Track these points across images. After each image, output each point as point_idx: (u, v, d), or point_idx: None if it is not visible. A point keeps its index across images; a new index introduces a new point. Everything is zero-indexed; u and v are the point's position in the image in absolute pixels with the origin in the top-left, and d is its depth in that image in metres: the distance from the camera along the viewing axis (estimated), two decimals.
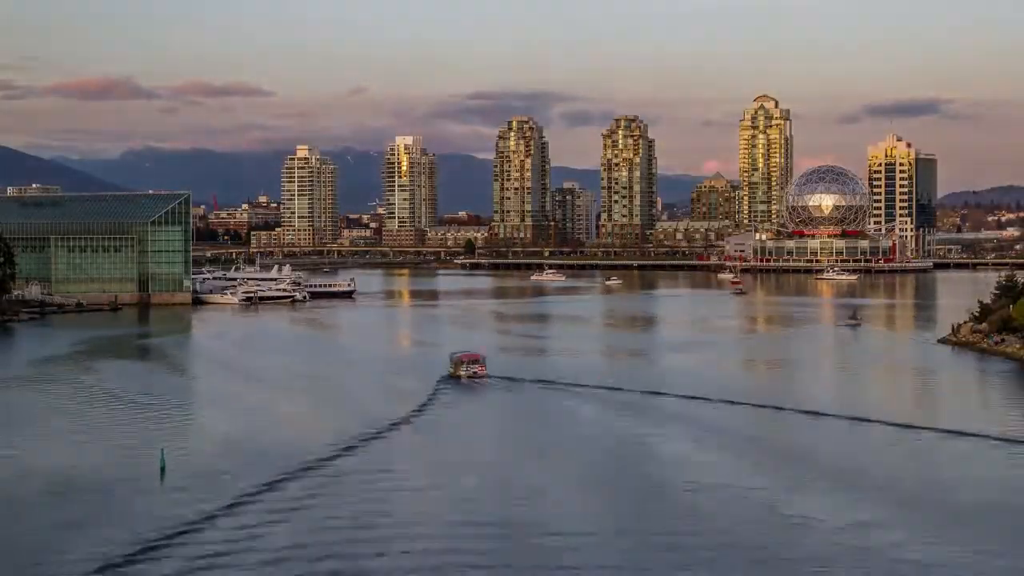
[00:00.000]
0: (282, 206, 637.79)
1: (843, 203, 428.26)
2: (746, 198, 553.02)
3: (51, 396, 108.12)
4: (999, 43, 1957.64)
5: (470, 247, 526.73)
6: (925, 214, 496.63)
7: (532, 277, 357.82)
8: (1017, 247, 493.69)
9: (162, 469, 72.10)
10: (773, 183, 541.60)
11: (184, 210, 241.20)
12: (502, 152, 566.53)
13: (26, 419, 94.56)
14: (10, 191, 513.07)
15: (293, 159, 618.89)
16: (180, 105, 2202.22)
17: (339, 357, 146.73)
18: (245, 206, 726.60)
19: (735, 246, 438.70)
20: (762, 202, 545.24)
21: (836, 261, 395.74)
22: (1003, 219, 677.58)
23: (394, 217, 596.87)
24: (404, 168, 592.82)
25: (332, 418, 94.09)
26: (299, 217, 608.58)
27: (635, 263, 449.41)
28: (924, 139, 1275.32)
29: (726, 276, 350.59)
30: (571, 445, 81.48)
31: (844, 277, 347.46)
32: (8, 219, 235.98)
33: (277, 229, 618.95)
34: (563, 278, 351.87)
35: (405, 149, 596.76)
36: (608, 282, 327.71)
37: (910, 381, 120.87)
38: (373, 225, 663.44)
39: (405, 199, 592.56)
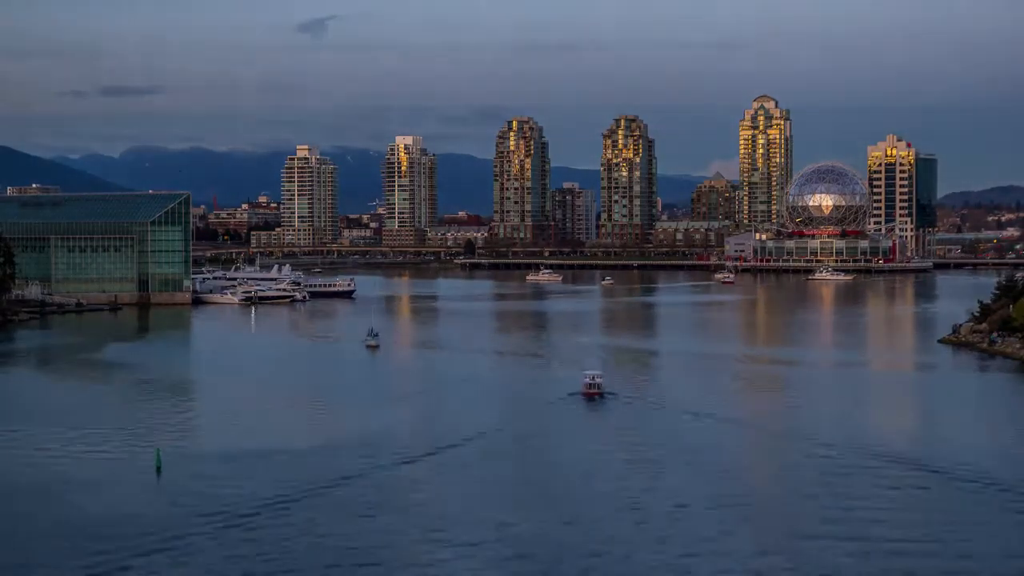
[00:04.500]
0: (282, 206, 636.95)
1: (843, 203, 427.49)
2: (746, 198, 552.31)
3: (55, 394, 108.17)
4: (998, 42, 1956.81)
5: (470, 247, 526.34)
6: (925, 214, 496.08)
7: (528, 278, 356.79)
8: (1017, 247, 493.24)
9: (158, 468, 75.15)
10: (773, 183, 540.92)
11: (184, 210, 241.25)
12: (502, 152, 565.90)
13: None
14: (10, 191, 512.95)
15: (293, 159, 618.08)
16: (180, 105, 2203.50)
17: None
18: (245, 206, 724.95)
19: (735, 246, 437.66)
20: (762, 202, 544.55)
21: (836, 261, 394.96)
22: (1003, 219, 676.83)
23: (394, 217, 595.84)
24: (404, 168, 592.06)
25: None
26: (299, 217, 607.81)
27: (635, 263, 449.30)
28: (924, 138, 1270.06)
29: (721, 276, 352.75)
30: None
31: (839, 277, 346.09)
32: (8, 219, 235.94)
33: (277, 229, 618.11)
34: (559, 279, 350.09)
35: (405, 149, 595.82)
36: (603, 282, 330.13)
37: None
38: (373, 225, 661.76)
39: (405, 199, 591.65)
